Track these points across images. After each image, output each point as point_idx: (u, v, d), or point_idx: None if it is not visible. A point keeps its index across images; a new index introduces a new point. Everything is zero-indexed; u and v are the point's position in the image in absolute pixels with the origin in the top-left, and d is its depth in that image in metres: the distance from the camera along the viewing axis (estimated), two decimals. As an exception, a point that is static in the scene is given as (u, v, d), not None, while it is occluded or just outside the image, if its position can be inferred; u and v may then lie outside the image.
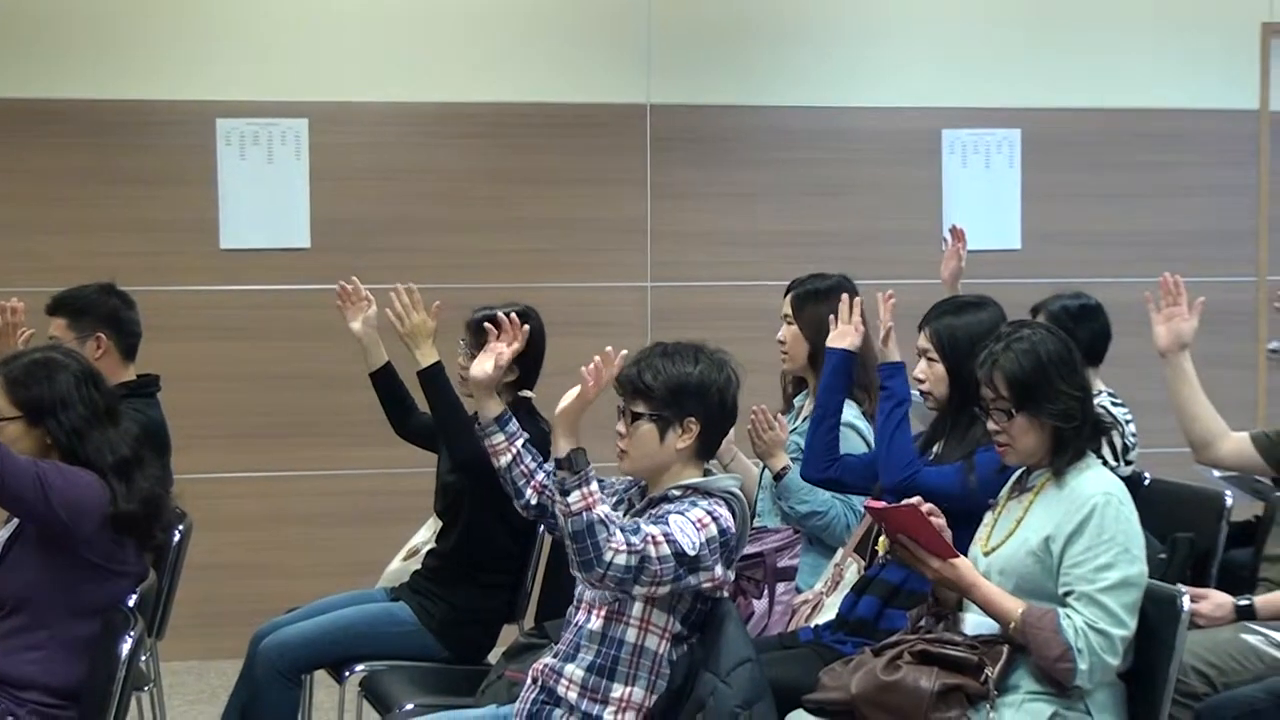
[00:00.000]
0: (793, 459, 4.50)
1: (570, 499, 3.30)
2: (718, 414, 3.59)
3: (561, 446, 3.37)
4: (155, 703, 4.91)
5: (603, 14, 7.15)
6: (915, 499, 3.58)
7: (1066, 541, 3.49)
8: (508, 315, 4.02)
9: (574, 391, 3.43)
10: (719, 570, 3.48)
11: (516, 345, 3.97)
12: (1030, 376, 3.57)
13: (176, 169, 6.86)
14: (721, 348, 3.66)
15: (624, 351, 3.52)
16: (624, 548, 3.31)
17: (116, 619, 3.63)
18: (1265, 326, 7.45)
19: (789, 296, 4.70)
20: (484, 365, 3.89)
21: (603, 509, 3.33)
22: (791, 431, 4.62)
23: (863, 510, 4.26)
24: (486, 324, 4.08)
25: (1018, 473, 3.74)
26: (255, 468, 6.92)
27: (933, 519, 3.52)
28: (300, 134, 6.93)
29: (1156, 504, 4.71)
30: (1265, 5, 7.51)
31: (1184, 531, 4.68)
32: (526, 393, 4.63)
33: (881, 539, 4.02)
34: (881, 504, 3.61)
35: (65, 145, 6.80)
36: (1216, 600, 4.02)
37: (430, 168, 7.03)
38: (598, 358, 3.44)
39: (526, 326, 4.02)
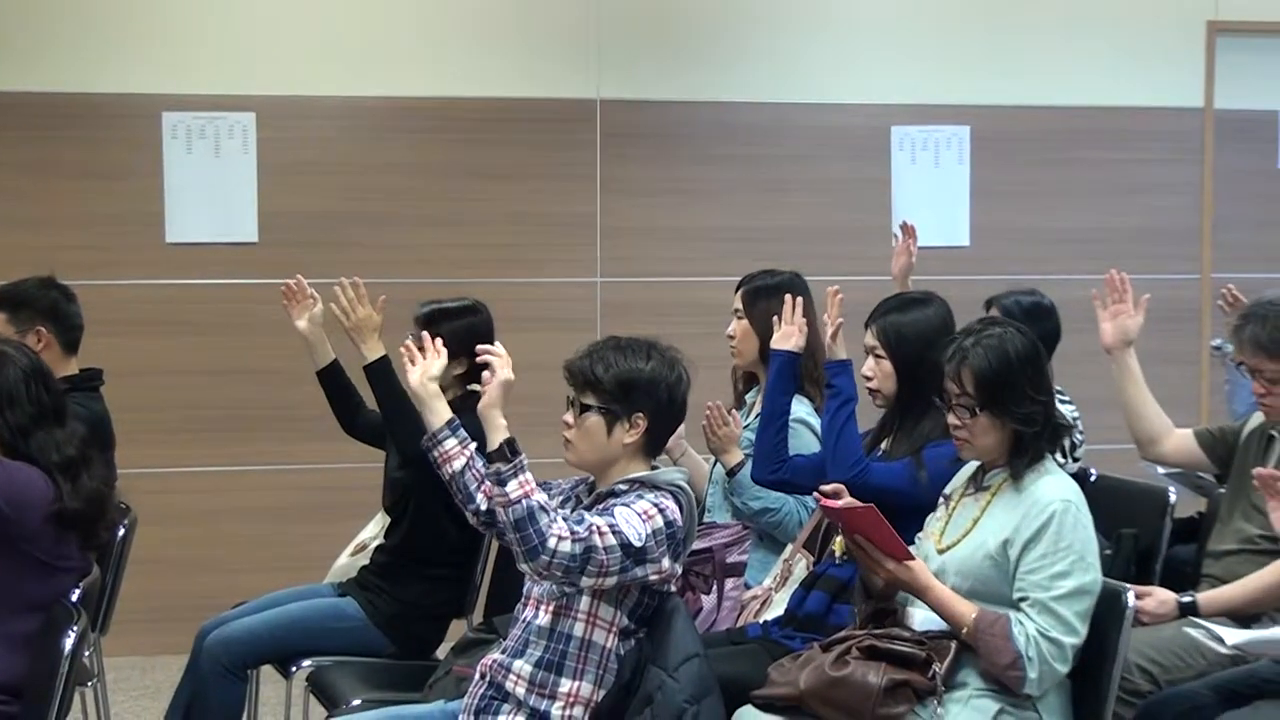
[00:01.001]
0: (746, 454, 4.50)
1: (508, 488, 3.30)
2: (666, 411, 3.58)
3: (493, 439, 3.38)
4: (99, 698, 4.87)
5: (552, 9, 7.13)
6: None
7: (1024, 547, 3.49)
8: (439, 317, 3.96)
9: (493, 384, 3.47)
10: (666, 563, 3.47)
11: (441, 360, 3.76)
12: (998, 376, 3.56)
13: (122, 162, 6.81)
14: (674, 346, 3.64)
15: (496, 344, 3.59)
16: (568, 535, 3.31)
17: (59, 614, 3.59)
18: (1209, 323, 7.50)
19: (740, 292, 4.70)
20: (431, 367, 3.72)
21: (540, 496, 3.33)
22: (744, 428, 4.62)
23: (815, 506, 4.26)
24: (403, 348, 3.84)
25: (972, 467, 3.74)
26: (201, 462, 6.87)
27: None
28: (248, 128, 6.88)
29: (1102, 500, 4.71)
30: (1210, 4, 7.57)
31: (1128, 528, 4.71)
32: (475, 387, 4.60)
33: (838, 539, 4.03)
34: (838, 504, 3.60)
35: (9, 138, 6.73)
36: (1160, 597, 4.05)
37: (379, 162, 7.00)
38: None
39: (439, 340, 3.83)
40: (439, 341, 3.80)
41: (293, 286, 4.81)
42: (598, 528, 3.36)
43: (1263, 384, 4.15)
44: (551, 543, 3.30)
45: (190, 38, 6.85)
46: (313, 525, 6.65)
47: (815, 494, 3.67)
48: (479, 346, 3.57)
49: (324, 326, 4.80)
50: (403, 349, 3.78)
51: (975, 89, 7.41)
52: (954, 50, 7.40)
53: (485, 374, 3.49)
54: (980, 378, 3.57)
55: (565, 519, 3.35)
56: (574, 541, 3.31)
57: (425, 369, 3.70)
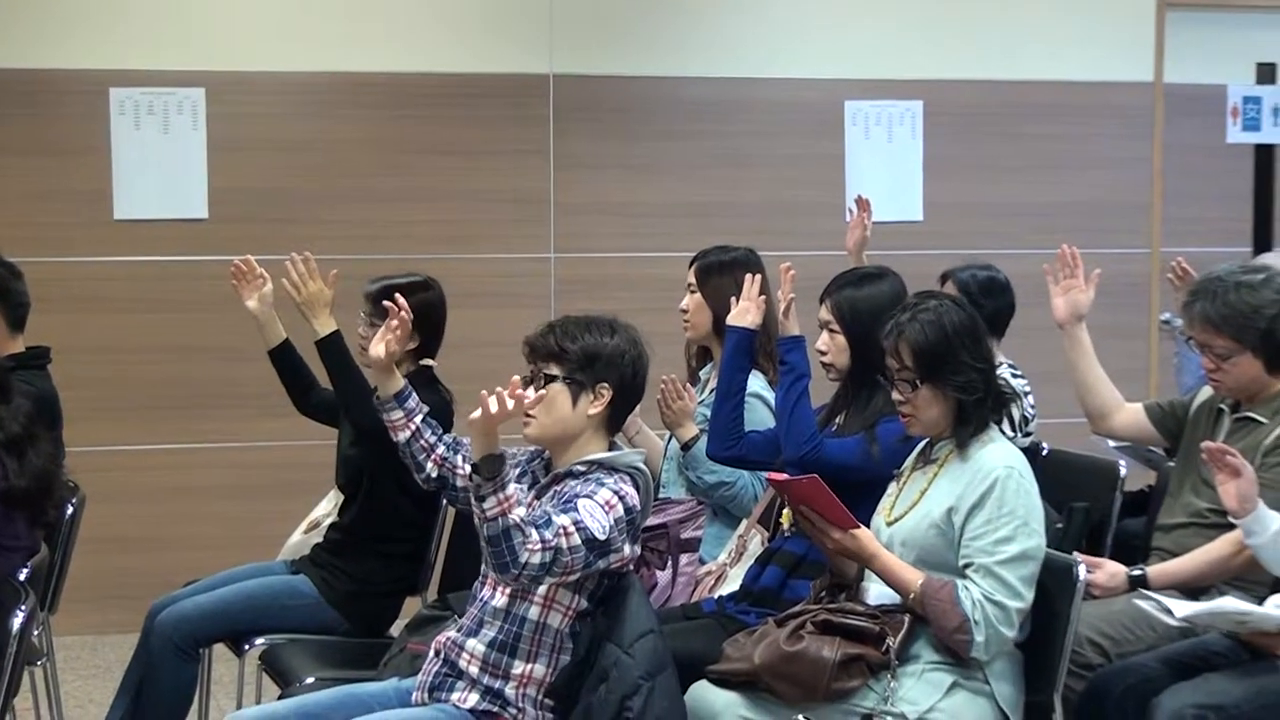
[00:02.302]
0: (701, 429, 4.50)
1: (485, 505, 3.25)
2: (629, 385, 3.57)
3: (476, 452, 3.30)
4: (48, 677, 4.83)
5: (504, -17, 7.12)
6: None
7: (968, 514, 3.53)
8: (392, 292, 4.01)
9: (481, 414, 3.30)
10: (627, 550, 3.47)
11: (402, 330, 3.96)
12: (935, 348, 3.59)
13: (69, 139, 6.75)
14: (633, 324, 3.64)
15: (531, 391, 3.43)
16: (539, 546, 3.28)
17: (8, 593, 3.57)
18: (1158, 298, 7.55)
19: (693, 267, 4.70)
20: (374, 350, 3.91)
21: (519, 512, 3.28)
22: (699, 403, 4.62)
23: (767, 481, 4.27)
24: (386, 302, 4.02)
25: (922, 444, 3.77)
26: (151, 440, 6.83)
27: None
28: (197, 104, 6.83)
29: (1054, 474, 4.77)
30: (1161, -21, 7.62)
31: (1080, 501, 4.74)
32: (428, 361, 4.61)
33: (785, 511, 4.04)
34: (784, 476, 3.63)
35: (-45, 114, 6.67)
36: (1110, 570, 4.07)
37: (330, 138, 6.95)
38: (502, 392, 3.28)
39: (403, 304, 3.98)
40: (394, 323, 3.87)
41: (241, 266, 4.77)
42: (565, 529, 3.33)
43: (1212, 359, 4.18)
44: (523, 558, 3.27)
45: (139, 13, 6.79)
46: (265, 503, 6.61)
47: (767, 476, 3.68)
48: (486, 397, 3.38)
49: (275, 302, 4.76)
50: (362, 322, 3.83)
51: (928, 63, 7.42)
52: (906, 25, 7.41)
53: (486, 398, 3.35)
54: (918, 350, 3.60)
55: (536, 526, 3.30)
56: (544, 551, 3.29)
57: (371, 352, 3.88)
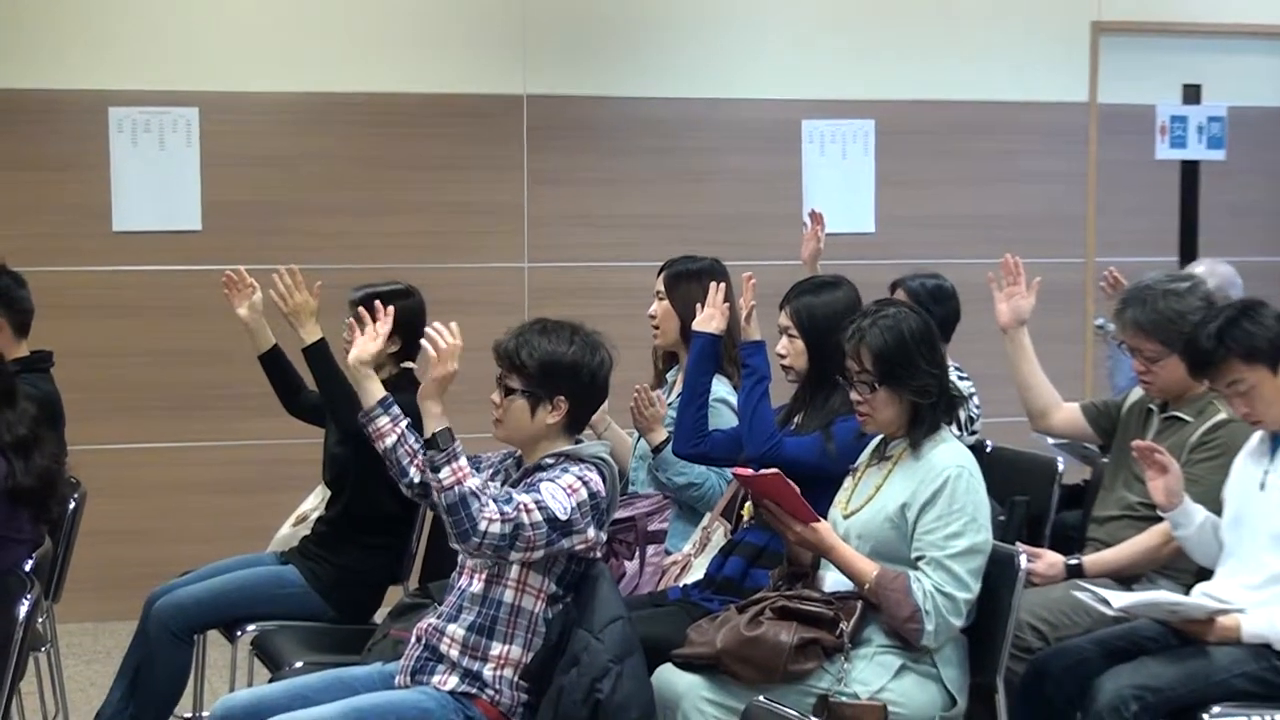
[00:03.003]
0: (670, 432, 4.50)
1: (441, 475, 3.29)
2: (587, 393, 3.57)
3: (428, 426, 3.36)
4: (52, 662, 4.82)
5: (481, 10, 7.10)
6: None
7: (920, 510, 3.54)
8: (375, 299, 3.97)
9: (428, 377, 3.41)
10: (591, 532, 3.48)
11: (385, 326, 3.80)
12: (894, 353, 3.60)
13: (71, 155, 6.72)
14: (598, 329, 3.64)
15: (453, 324, 3.46)
16: (497, 517, 3.31)
17: (13, 583, 3.55)
18: (1092, 304, 7.60)
19: (662, 275, 4.70)
20: (366, 348, 3.73)
21: (473, 482, 3.31)
22: (668, 406, 4.63)
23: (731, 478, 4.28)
24: (361, 309, 3.95)
25: (876, 440, 3.78)
26: (150, 439, 6.81)
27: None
28: (191, 122, 6.81)
29: (996, 470, 4.77)
30: (1094, 5, 7.65)
31: (1021, 495, 4.76)
32: (409, 364, 4.61)
33: (747, 505, 4.05)
34: (748, 471, 3.64)
35: (-38, 132, 6.63)
36: (1049, 560, 4.10)
37: (317, 154, 6.94)
38: (433, 329, 3.42)
39: (390, 307, 3.88)
40: (379, 322, 3.79)
41: (232, 276, 4.76)
42: (525, 505, 3.35)
43: (1142, 362, 4.21)
44: (482, 525, 3.29)
45: (136, 36, 6.77)
46: (256, 497, 6.60)
47: (733, 471, 3.68)
48: (427, 330, 3.49)
49: (264, 311, 4.75)
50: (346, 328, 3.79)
51: (880, 85, 7.44)
52: (860, 49, 7.43)
53: (419, 358, 3.46)
54: (877, 354, 3.61)
55: (495, 499, 3.33)
56: (503, 523, 3.31)
57: (359, 351, 3.72)
